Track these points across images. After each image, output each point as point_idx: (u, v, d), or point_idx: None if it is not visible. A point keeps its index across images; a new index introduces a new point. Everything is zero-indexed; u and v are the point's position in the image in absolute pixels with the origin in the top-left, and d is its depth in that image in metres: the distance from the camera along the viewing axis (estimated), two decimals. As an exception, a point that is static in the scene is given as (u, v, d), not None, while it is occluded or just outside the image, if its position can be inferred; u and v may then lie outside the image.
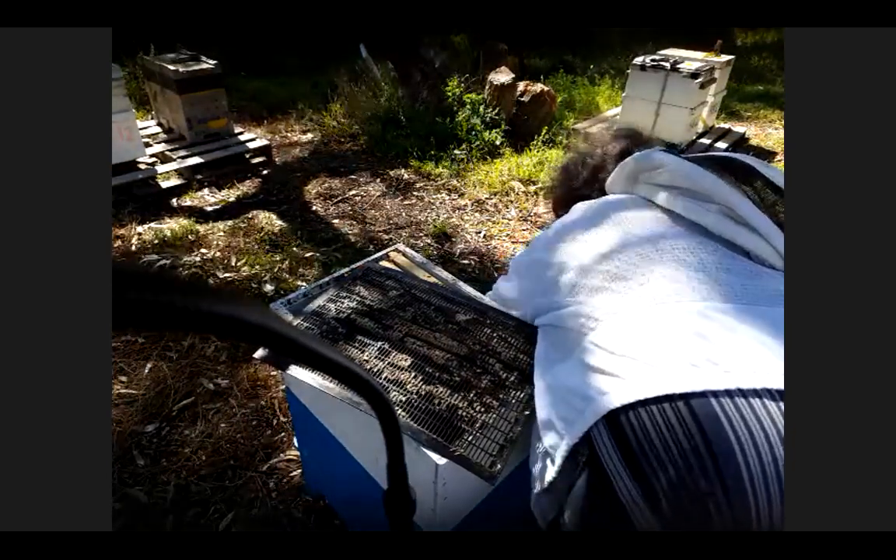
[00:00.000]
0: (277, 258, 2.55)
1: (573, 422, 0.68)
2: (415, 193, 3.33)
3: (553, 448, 0.72)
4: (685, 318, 0.68)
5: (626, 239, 0.83)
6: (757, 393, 0.57)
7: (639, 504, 0.60)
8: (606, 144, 1.15)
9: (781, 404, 0.56)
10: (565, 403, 0.72)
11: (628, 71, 3.92)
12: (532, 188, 3.33)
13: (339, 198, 3.24)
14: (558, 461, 0.70)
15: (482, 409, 0.87)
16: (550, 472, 0.71)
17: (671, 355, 0.63)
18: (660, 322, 0.69)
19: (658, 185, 0.90)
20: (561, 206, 1.14)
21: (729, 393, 0.58)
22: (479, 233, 2.90)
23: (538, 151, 3.75)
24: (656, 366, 0.63)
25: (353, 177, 3.52)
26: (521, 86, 4.08)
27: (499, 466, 0.79)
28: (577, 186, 1.14)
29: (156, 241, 2.63)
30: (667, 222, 0.85)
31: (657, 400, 0.60)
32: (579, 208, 0.98)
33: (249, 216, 2.93)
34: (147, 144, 3.33)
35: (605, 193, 1.04)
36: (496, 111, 4.00)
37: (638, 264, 0.78)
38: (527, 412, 0.87)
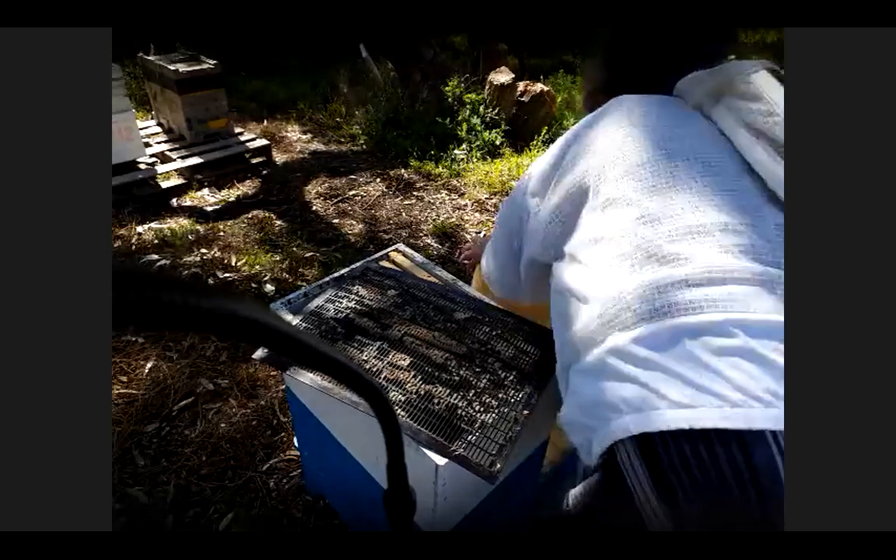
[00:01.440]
0: (277, 258, 2.55)
1: (596, 429, 0.64)
2: (415, 193, 3.33)
3: (581, 448, 0.69)
4: (714, 334, 0.59)
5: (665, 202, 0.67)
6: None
7: (659, 517, 0.58)
8: (688, 29, 0.86)
9: None
10: (590, 413, 0.66)
11: (628, 71, 3.91)
12: (532, 188, 3.33)
13: (340, 198, 3.23)
14: (581, 469, 0.68)
15: (482, 409, 0.87)
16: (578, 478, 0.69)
17: (706, 379, 0.57)
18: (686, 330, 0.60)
19: (749, 125, 0.69)
20: (597, 99, 0.86)
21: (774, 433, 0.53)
22: (480, 233, 2.90)
23: (538, 152, 3.75)
24: (693, 389, 0.57)
25: (353, 177, 3.52)
26: (521, 86, 4.08)
27: (499, 466, 0.79)
28: (627, 74, 0.86)
29: (156, 241, 2.63)
30: (745, 183, 0.69)
31: (702, 433, 0.55)
32: (619, 108, 0.76)
33: (249, 216, 2.93)
34: (147, 144, 3.33)
35: (664, 93, 0.82)
36: (496, 111, 3.99)
37: (683, 240, 0.64)
38: (526, 412, 0.87)
